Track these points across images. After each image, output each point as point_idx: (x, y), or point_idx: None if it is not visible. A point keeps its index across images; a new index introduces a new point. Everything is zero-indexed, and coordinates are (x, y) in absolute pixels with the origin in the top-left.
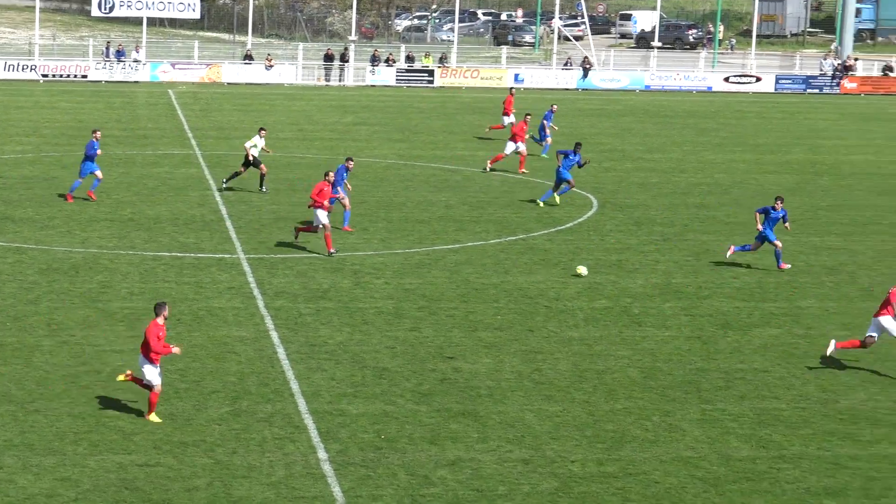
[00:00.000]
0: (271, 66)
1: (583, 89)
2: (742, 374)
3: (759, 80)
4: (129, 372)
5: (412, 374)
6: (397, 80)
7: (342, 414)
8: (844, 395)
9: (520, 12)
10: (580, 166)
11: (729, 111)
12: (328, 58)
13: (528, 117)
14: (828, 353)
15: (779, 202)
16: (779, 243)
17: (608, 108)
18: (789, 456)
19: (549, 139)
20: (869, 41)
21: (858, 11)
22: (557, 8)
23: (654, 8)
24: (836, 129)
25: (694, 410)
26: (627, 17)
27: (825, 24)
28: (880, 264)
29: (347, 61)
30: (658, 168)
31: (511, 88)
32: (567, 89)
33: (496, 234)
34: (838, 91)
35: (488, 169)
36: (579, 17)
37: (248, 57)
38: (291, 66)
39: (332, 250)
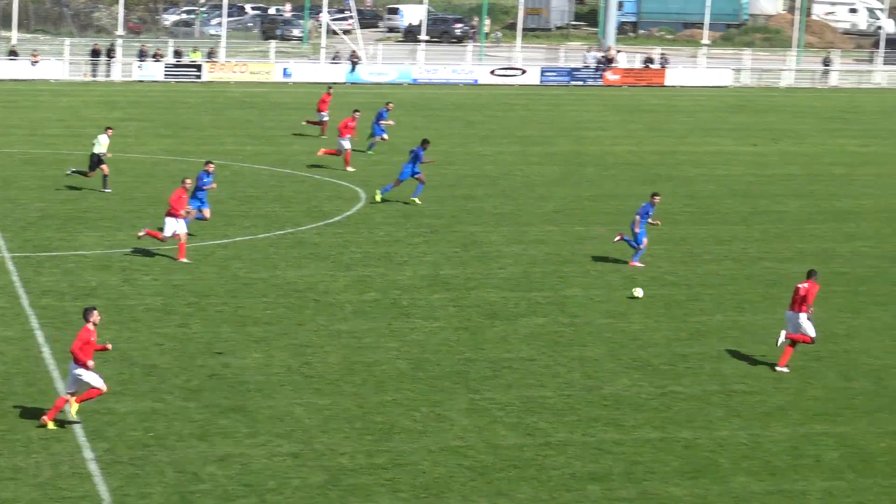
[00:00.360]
0: (37, 62)
1: (351, 83)
2: (509, 363)
3: (524, 72)
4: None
5: (181, 371)
6: (165, 75)
7: (110, 412)
8: (608, 381)
9: (288, 6)
10: (421, 163)
11: (496, 104)
12: (95, 53)
13: (357, 114)
14: (778, 344)
15: (656, 197)
16: (644, 244)
17: (376, 102)
18: (555, 443)
19: (384, 136)
20: (631, 34)
21: (621, 5)
22: (325, 2)
23: (421, 2)
24: (600, 121)
25: (462, 400)
26: (395, 11)
27: (589, 17)
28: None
29: (114, 57)
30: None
31: (329, 86)
32: (336, 83)
33: (265, 228)
34: (601, 83)
35: (349, 169)
36: (347, 11)
37: (13, 53)
38: (58, 62)
39: (183, 258)
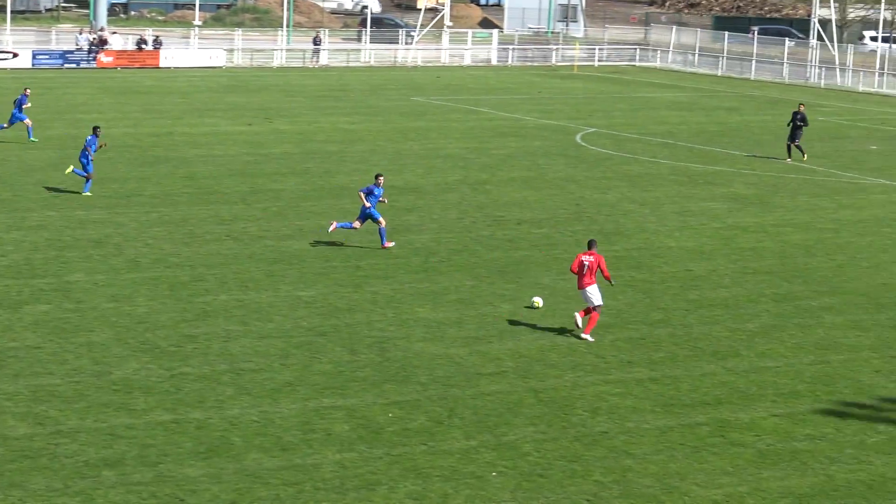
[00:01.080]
0: None
1: None
2: (15, 351)
3: (16, 56)
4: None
5: None
6: None
7: None
8: (117, 366)
9: None
10: (93, 151)
11: None
12: None
13: None
14: (580, 325)
15: (380, 178)
16: (383, 221)
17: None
18: (66, 430)
19: (27, 121)
20: (122, 15)
21: None
22: None
23: None
24: (95, 103)
25: None
26: None
27: None
28: (144, 235)
29: None
30: None
31: None
32: None
33: None
34: (95, 65)
35: None
36: None
37: None
38: None
39: None
